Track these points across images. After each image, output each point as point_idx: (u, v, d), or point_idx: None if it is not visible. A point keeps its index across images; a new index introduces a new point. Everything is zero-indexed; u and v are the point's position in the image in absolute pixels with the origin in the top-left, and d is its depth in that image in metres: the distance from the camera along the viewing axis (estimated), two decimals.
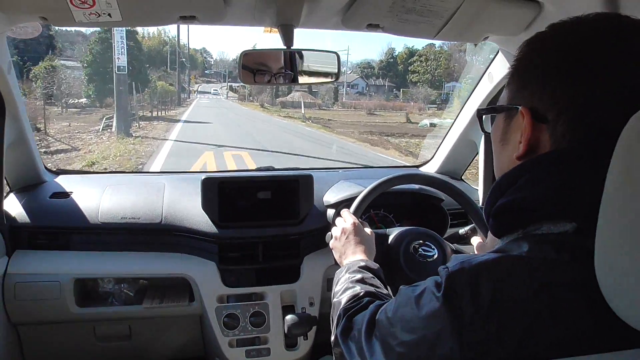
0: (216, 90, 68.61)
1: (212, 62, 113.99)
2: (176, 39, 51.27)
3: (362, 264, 1.11)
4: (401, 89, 54.34)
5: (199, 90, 72.32)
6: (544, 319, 0.57)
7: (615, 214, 0.51)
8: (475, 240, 1.38)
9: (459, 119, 2.04)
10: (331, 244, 1.29)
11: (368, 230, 1.29)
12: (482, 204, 1.80)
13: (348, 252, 1.20)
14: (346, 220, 1.29)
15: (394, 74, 62.61)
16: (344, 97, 54.82)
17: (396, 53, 64.66)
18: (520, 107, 0.67)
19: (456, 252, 1.41)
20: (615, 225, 0.51)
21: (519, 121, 0.68)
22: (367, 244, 1.23)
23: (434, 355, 0.62)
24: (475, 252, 1.34)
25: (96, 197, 1.72)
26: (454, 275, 0.63)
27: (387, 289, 1.06)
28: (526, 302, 0.58)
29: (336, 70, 1.42)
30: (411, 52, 59.28)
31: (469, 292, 0.61)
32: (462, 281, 0.62)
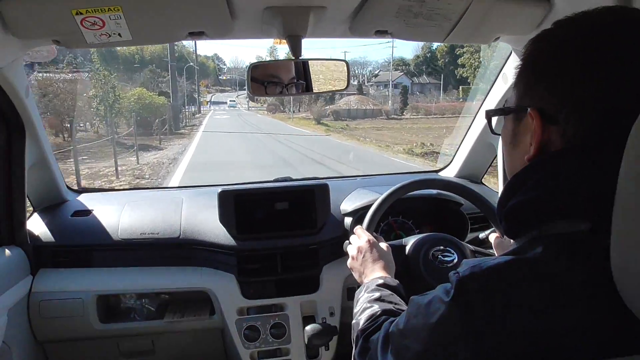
0: (233, 100, 59.97)
1: (226, 69, 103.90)
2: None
3: (380, 281, 1.09)
4: (460, 87, 44.44)
5: (212, 100, 64.26)
6: (558, 323, 0.55)
7: (629, 212, 0.49)
8: (493, 236, 1.35)
9: (475, 121, 2.01)
10: (349, 264, 1.27)
11: (384, 245, 1.27)
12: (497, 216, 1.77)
13: (367, 271, 1.18)
14: (360, 237, 1.28)
15: (435, 70, 53.66)
16: (390, 99, 44.32)
17: (434, 47, 55.08)
18: (529, 109, 0.65)
19: (475, 252, 1.39)
20: (630, 224, 0.49)
21: (528, 122, 0.66)
22: (385, 259, 1.21)
23: None
24: (494, 249, 1.31)
25: (116, 214, 1.75)
26: (465, 281, 0.62)
27: (407, 305, 1.05)
28: (539, 306, 0.56)
29: (346, 78, 1.41)
30: (452, 45, 45.32)
31: (480, 297, 0.59)
32: (473, 287, 0.61)
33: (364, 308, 1.00)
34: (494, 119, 0.83)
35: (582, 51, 0.61)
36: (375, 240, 1.26)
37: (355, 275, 1.23)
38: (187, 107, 40.87)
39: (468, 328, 0.59)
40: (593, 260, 0.56)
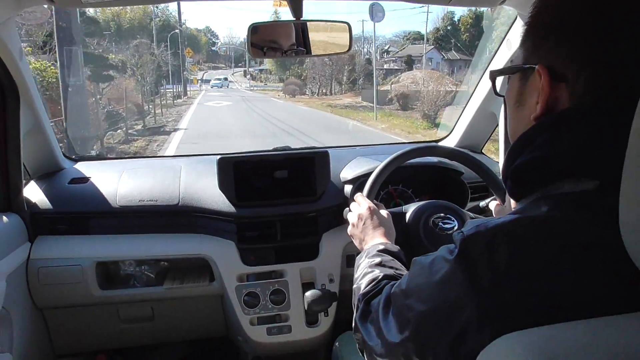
0: (218, 79, 46.69)
1: (219, 44, 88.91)
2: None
3: (381, 247, 1.08)
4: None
5: (204, 79, 51.98)
6: (565, 281, 0.54)
7: (639, 171, 0.48)
8: (493, 203, 1.35)
9: (477, 89, 1.98)
10: (349, 231, 1.27)
11: (384, 212, 1.26)
12: (502, 177, 1.76)
13: (367, 237, 1.18)
14: (361, 204, 1.27)
15: (460, 44, 42.88)
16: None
17: (456, 18, 45.77)
18: (536, 66, 0.63)
19: (474, 219, 1.38)
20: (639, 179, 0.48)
21: (535, 81, 0.64)
22: (385, 226, 1.20)
23: (451, 323, 0.60)
24: (495, 216, 1.31)
25: (114, 182, 1.73)
26: (470, 240, 0.61)
27: (408, 270, 1.05)
28: (546, 264, 0.56)
29: (347, 41, 1.38)
30: (478, 16, 39.55)
31: (486, 256, 0.58)
32: (478, 245, 0.60)
33: (364, 273, 1.00)
34: (498, 80, 0.81)
35: (595, 9, 0.59)
36: (375, 207, 1.25)
37: (356, 242, 1.23)
38: (172, 84, 33.34)
39: (472, 287, 0.58)
40: (600, 218, 0.56)
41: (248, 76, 52.85)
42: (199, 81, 46.87)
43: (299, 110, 25.14)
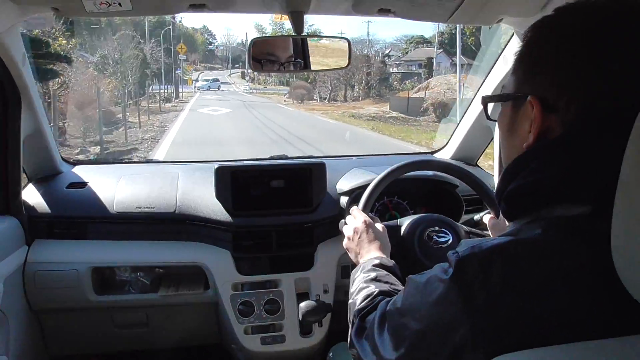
0: (207, 80, 44.84)
1: (217, 45, 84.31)
2: None
3: (376, 262, 1.09)
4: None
5: (200, 79, 48.65)
6: (557, 302, 0.56)
7: (632, 197, 0.50)
8: (487, 217, 1.36)
9: (473, 103, 2.01)
10: (345, 244, 1.27)
11: (380, 225, 1.27)
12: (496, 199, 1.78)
13: (362, 251, 1.19)
14: (356, 218, 1.28)
15: (467, 47, 38.87)
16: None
17: None
18: (528, 97, 0.65)
19: (469, 233, 1.40)
20: (632, 209, 0.50)
21: (527, 110, 0.66)
22: (381, 240, 1.21)
23: (445, 343, 0.61)
24: (489, 230, 1.33)
25: (111, 187, 1.74)
26: (464, 260, 0.62)
27: (403, 285, 1.06)
28: (539, 285, 0.57)
29: (347, 56, 1.40)
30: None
31: (480, 277, 0.60)
32: (472, 266, 0.61)
33: (360, 288, 1.01)
34: (490, 105, 0.83)
35: (586, 41, 0.61)
36: (371, 221, 1.26)
37: (351, 256, 1.23)
38: (163, 85, 30.65)
39: (467, 307, 0.59)
40: (592, 243, 0.57)
41: (247, 78, 48.56)
42: (194, 82, 43.10)
43: (322, 123, 19.88)
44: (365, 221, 1.24)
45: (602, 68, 0.60)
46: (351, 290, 1.04)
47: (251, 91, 43.70)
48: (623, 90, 0.59)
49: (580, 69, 0.61)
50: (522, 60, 0.69)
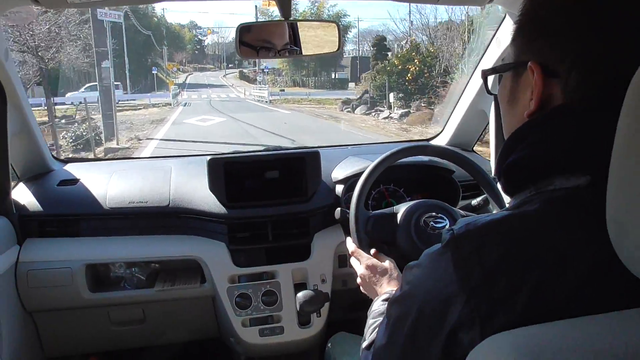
0: (176, 88, 29.15)
1: (207, 41, 72.60)
2: None
3: (385, 296, 1.11)
4: None
5: (187, 83, 40.08)
6: (554, 279, 0.54)
7: (626, 167, 0.48)
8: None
9: (467, 88, 1.99)
10: (359, 283, 1.28)
11: (386, 261, 1.25)
12: (494, 174, 1.76)
13: (372, 294, 1.21)
14: (361, 261, 1.28)
15: None
16: None
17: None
18: (529, 63, 0.63)
19: (465, 217, 1.38)
20: (626, 180, 0.48)
21: (528, 78, 0.64)
22: (388, 275, 1.21)
23: (444, 323, 0.60)
24: None
25: (103, 183, 1.72)
26: (460, 237, 0.61)
27: None
28: (535, 260, 0.56)
29: (337, 40, 1.38)
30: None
31: (475, 253, 0.58)
32: (468, 242, 0.60)
33: (370, 324, 1.03)
34: (490, 79, 0.82)
35: (586, 4, 0.60)
36: (373, 261, 1.25)
37: (369, 295, 1.25)
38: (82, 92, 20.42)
39: (463, 284, 0.58)
40: (590, 215, 0.56)
41: (260, 76, 35.37)
42: (177, 87, 30.05)
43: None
44: (367, 266, 1.24)
45: (603, 32, 0.58)
46: (365, 333, 1.05)
47: (270, 99, 27.06)
48: (624, 56, 0.57)
49: (578, 35, 0.60)
50: (522, 27, 0.67)
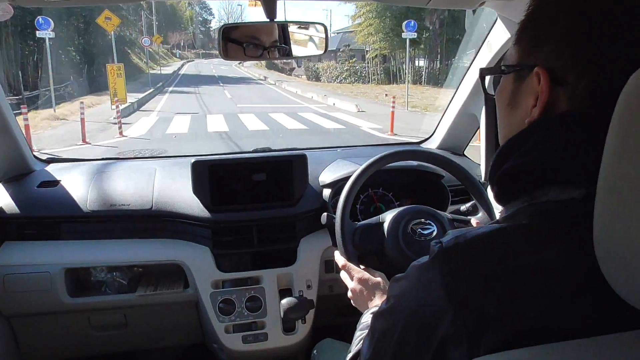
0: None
1: (213, 21, 59.62)
2: None
3: (375, 309, 1.07)
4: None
5: (182, 73, 31.14)
6: (544, 298, 0.52)
7: (612, 186, 0.46)
8: (474, 222, 1.33)
9: (458, 92, 1.96)
10: (352, 301, 1.25)
11: (376, 277, 1.22)
12: (485, 179, 1.74)
13: (364, 306, 1.19)
14: (352, 276, 1.25)
15: None
16: None
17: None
18: (535, 68, 0.59)
19: (454, 221, 1.35)
20: (613, 199, 0.46)
21: (532, 83, 0.60)
22: (379, 289, 1.19)
23: (431, 339, 0.57)
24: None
25: (85, 185, 1.68)
26: (448, 250, 0.58)
27: None
28: (524, 277, 0.53)
29: (324, 42, 1.35)
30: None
31: (464, 268, 0.55)
32: (456, 256, 0.57)
33: (357, 336, 1.01)
34: (487, 79, 0.78)
35: (603, 9, 0.55)
36: (365, 274, 1.22)
37: (360, 309, 1.22)
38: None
39: (450, 300, 0.55)
40: (582, 229, 0.52)
41: (300, 63, 22.90)
42: (157, 82, 20.90)
43: None
44: (359, 279, 1.21)
45: (616, 41, 0.54)
46: (351, 346, 1.03)
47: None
48: (634, 68, 0.54)
49: (592, 41, 0.56)
50: (527, 28, 0.63)
